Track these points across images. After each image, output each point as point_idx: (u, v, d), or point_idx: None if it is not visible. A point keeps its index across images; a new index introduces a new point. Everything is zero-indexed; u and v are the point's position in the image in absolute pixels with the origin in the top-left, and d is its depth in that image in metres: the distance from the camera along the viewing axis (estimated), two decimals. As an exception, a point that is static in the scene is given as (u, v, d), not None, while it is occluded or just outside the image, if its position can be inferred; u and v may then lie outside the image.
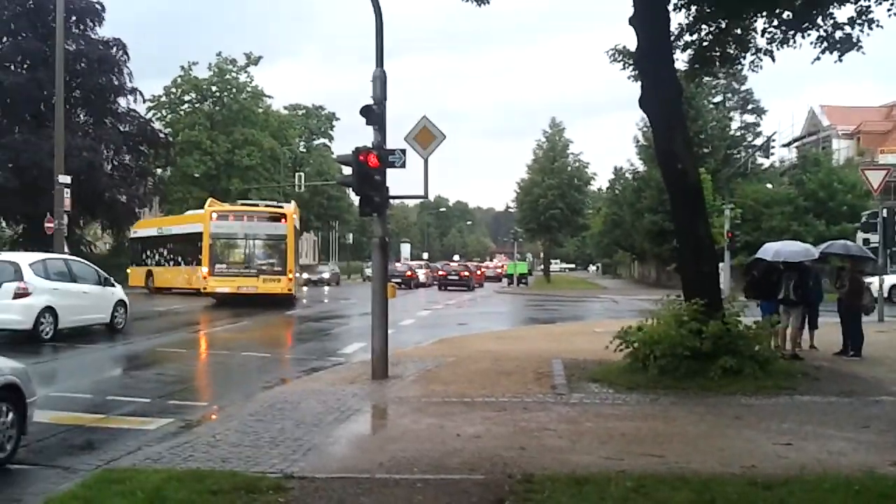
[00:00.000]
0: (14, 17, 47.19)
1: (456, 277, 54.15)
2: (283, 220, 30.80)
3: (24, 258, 17.95)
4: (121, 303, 19.82)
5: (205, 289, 30.11)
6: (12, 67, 47.49)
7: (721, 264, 28.61)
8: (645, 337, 11.46)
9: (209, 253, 29.89)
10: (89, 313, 18.71)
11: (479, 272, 61.57)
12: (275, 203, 34.82)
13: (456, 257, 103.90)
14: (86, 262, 21.31)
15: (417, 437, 8.24)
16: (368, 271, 62.14)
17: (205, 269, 29.85)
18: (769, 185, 51.23)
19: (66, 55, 39.46)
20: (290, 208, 32.14)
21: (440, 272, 57.64)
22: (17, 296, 16.49)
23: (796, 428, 8.62)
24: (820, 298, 15.72)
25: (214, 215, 30.51)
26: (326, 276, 54.92)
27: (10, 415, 7.24)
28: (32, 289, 16.72)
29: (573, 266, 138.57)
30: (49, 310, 16.89)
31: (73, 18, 47.22)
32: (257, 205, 33.21)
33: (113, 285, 19.92)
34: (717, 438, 8.21)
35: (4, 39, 47.98)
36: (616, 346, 11.73)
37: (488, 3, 14.07)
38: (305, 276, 54.36)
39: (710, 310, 11.43)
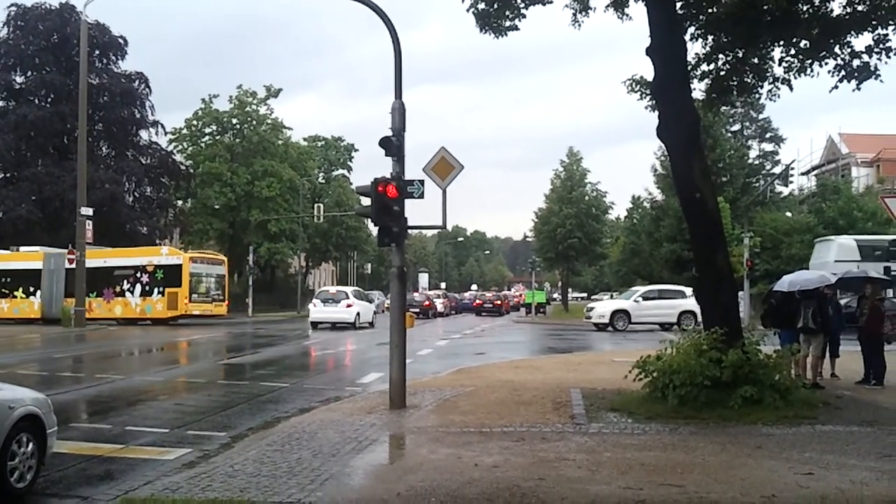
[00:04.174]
0: (38, 51, 48.09)
1: (490, 305, 64.59)
2: (223, 264, 43.21)
3: (348, 289, 40.24)
4: (368, 314, 38.50)
5: (186, 311, 38.96)
6: (36, 101, 48.35)
7: (740, 293, 28.51)
8: (664, 366, 11.40)
9: (188, 285, 38.89)
10: (365, 318, 37.36)
11: (507, 301, 69.94)
12: (215, 252, 48.40)
13: (473, 287, 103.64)
14: (361, 289, 44.03)
15: (435, 467, 8.21)
16: None
17: (186, 298, 39.00)
18: (788, 214, 51.04)
19: (89, 89, 40.23)
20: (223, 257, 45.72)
21: (477, 301, 67.05)
22: (348, 306, 36.39)
23: (818, 457, 8.54)
24: (841, 327, 15.60)
25: (191, 260, 40.06)
26: None
27: (31, 445, 7.28)
28: (353, 303, 36.75)
29: (584, 295, 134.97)
30: (358, 314, 36.48)
31: (97, 53, 48.09)
32: (207, 253, 45.48)
33: (371, 301, 41.49)
34: (738, 468, 8.13)
35: (29, 74, 48.92)
36: (635, 376, 11.67)
37: (506, 35, 14.20)
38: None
39: (729, 339, 11.38)
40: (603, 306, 39.26)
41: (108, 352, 24.64)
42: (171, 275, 38.66)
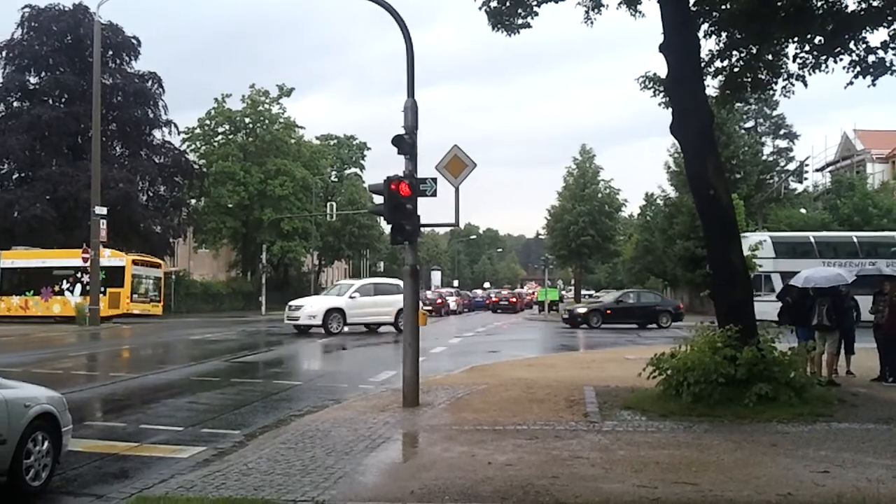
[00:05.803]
0: (52, 52, 48.23)
1: (506, 303, 66.49)
2: (160, 267, 44.84)
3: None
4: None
5: (127, 311, 40.37)
6: (50, 101, 48.49)
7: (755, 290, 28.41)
8: (678, 364, 11.36)
9: (130, 286, 40.67)
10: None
11: (521, 299, 71.63)
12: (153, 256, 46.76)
13: (486, 285, 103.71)
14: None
15: (449, 465, 8.20)
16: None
17: (127, 298, 40.64)
18: (803, 211, 50.78)
19: (103, 89, 40.38)
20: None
21: (493, 299, 69.74)
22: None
23: (833, 455, 8.48)
24: (856, 324, 15.49)
25: (133, 262, 41.42)
26: None
27: (46, 443, 7.32)
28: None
29: (592, 293, 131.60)
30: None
31: (110, 53, 48.18)
32: (142, 255, 45.17)
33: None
34: (753, 466, 8.09)
35: (43, 74, 49.07)
36: (649, 374, 11.63)
37: (518, 32, 14.16)
38: None
39: (744, 336, 11.32)
40: (313, 304, 32.30)
41: (121, 350, 24.78)
42: (113, 276, 39.82)
